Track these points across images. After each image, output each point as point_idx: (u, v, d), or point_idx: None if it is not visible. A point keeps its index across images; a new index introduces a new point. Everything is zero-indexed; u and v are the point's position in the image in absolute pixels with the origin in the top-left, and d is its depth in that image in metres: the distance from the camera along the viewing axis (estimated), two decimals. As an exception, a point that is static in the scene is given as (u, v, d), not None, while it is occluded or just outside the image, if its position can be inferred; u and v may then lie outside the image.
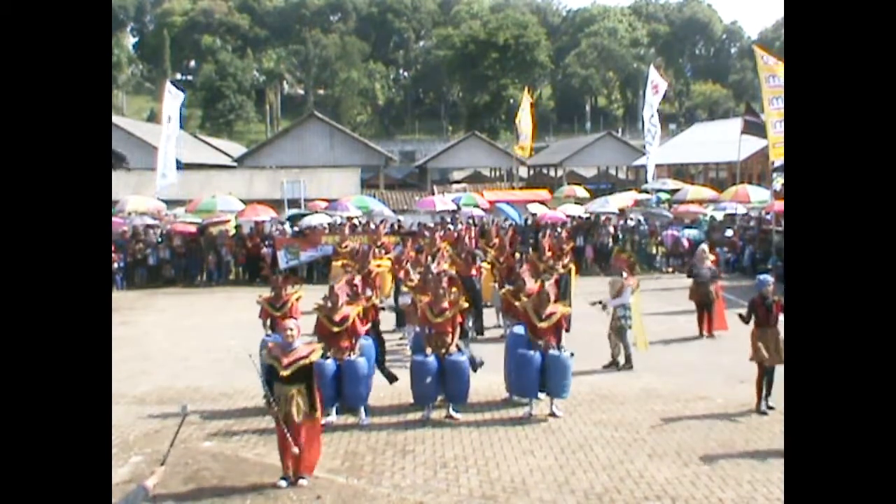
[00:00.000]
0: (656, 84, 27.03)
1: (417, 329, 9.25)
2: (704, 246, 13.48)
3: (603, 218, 22.30)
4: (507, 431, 8.01)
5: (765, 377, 8.56)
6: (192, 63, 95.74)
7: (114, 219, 19.53)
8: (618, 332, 10.55)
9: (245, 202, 23.70)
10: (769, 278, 9.04)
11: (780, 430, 7.55)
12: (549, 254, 13.06)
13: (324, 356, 8.23)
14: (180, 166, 23.66)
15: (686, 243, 21.02)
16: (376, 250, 15.40)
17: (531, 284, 9.54)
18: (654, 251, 21.26)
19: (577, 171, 54.44)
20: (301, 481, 6.63)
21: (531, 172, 56.35)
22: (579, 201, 27.01)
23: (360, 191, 32.46)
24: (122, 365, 10.40)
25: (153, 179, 23.28)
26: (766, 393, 8.55)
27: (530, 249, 16.29)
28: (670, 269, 20.72)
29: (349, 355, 8.21)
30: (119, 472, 6.91)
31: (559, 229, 19.49)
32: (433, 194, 29.61)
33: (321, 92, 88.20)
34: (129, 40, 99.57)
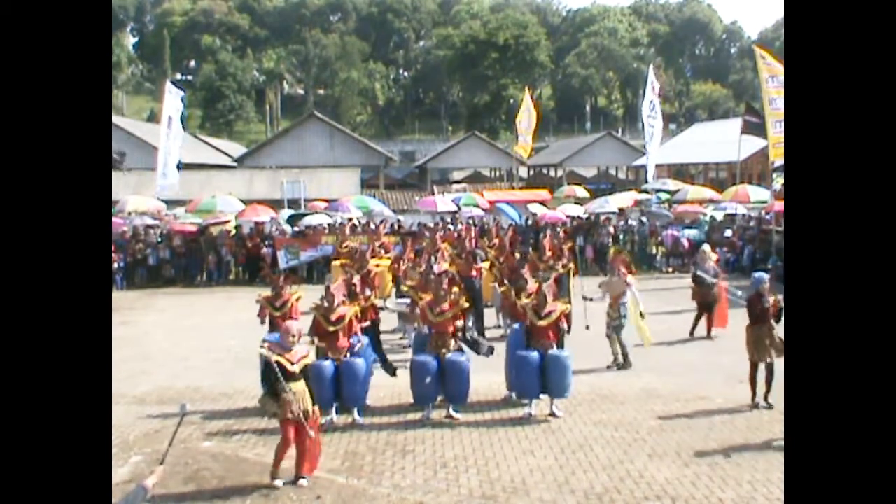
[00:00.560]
0: (654, 85, 27.12)
1: (415, 327, 9.26)
2: (706, 247, 13.44)
3: (603, 218, 22.31)
4: (507, 431, 8.01)
5: (756, 373, 8.65)
6: (192, 63, 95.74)
7: (114, 219, 19.54)
8: (616, 331, 10.56)
9: (245, 202, 23.71)
10: (765, 276, 9.07)
11: (779, 430, 7.55)
12: (549, 254, 13.06)
13: (322, 357, 8.25)
14: (180, 166, 23.63)
15: (686, 243, 21.03)
16: (377, 249, 15.42)
17: (532, 284, 9.55)
18: (654, 251, 21.25)
19: (577, 171, 54.45)
20: (301, 482, 6.62)
21: (531, 172, 56.36)
22: (579, 201, 27.01)
23: (360, 191, 32.48)
24: (122, 365, 10.40)
25: (153, 179, 23.28)
26: (765, 390, 8.62)
27: (530, 249, 16.30)
28: (670, 269, 20.73)
29: (346, 355, 8.22)
30: (119, 472, 6.91)
31: (559, 229, 19.49)
32: (433, 194, 29.61)
33: (321, 92, 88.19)
34: (129, 40, 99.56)
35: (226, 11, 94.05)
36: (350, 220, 22.17)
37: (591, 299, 10.80)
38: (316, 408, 6.74)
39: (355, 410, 8.36)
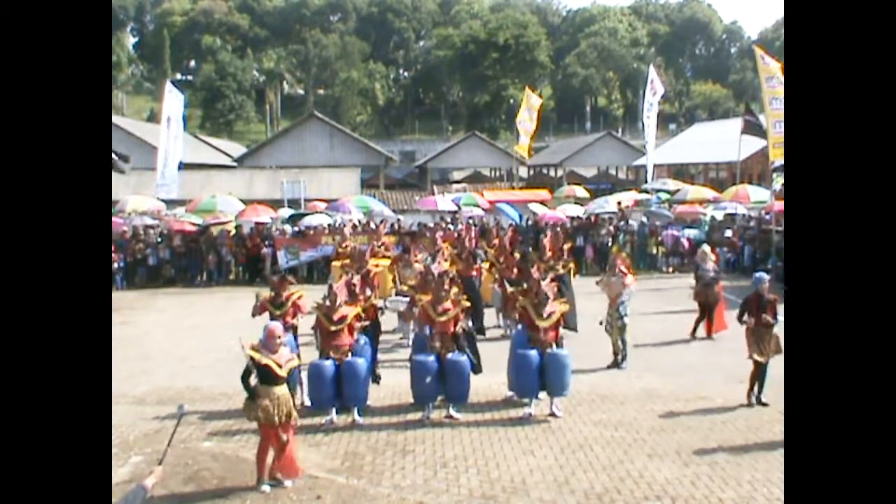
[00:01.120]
0: (654, 85, 27.15)
1: (414, 326, 9.26)
2: (706, 247, 13.41)
3: (603, 218, 22.32)
4: (507, 431, 8.01)
5: (759, 372, 8.72)
6: (192, 63, 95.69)
7: (114, 219, 19.54)
8: (620, 330, 10.56)
9: (245, 202, 23.71)
10: (765, 276, 9.11)
11: (780, 430, 7.55)
12: (549, 254, 13.07)
13: (324, 357, 8.26)
14: (180, 166, 23.62)
15: (686, 243, 21.04)
16: (377, 249, 15.43)
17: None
18: (654, 251, 21.26)
19: (577, 171, 54.44)
20: (287, 483, 6.61)
21: (531, 172, 56.36)
22: (579, 201, 27.02)
23: (360, 191, 32.48)
24: (122, 365, 10.40)
25: (153, 179, 23.28)
26: (758, 389, 8.71)
27: (530, 249, 16.30)
28: (670, 269, 20.74)
29: (348, 355, 8.22)
30: (119, 472, 6.91)
31: (558, 229, 19.49)
32: (433, 194, 29.63)
33: (321, 92, 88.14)
34: (129, 40, 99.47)
35: (226, 11, 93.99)
36: (350, 220, 22.19)
37: (601, 323, 10.82)
38: (295, 413, 6.66)
39: (355, 410, 8.36)
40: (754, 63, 19.50)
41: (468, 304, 9.20)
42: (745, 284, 12.25)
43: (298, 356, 7.54)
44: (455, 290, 9.23)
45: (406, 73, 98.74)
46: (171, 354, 11.92)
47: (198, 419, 8.46)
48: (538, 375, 8.31)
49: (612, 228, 21.43)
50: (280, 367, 6.55)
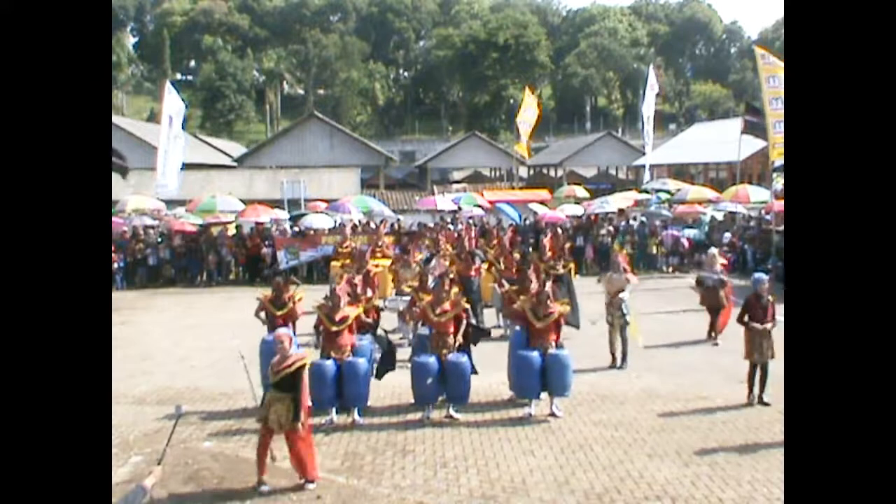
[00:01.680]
0: (653, 85, 27.22)
1: (411, 328, 9.26)
2: (714, 250, 13.19)
3: (603, 218, 22.32)
4: (507, 431, 8.00)
5: (756, 373, 8.75)
6: (192, 63, 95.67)
7: (114, 219, 19.53)
8: (621, 329, 10.56)
9: (245, 202, 23.70)
10: (764, 276, 9.11)
11: (779, 430, 7.55)
12: (549, 254, 13.07)
13: (325, 356, 8.26)
14: (181, 167, 23.61)
15: (686, 243, 21.04)
16: (377, 249, 15.45)
17: (535, 284, 9.54)
18: (654, 251, 21.26)
19: (577, 171, 54.44)
20: (308, 485, 6.60)
21: (531, 172, 56.38)
22: (579, 201, 27.02)
23: (360, 191, 32.48)
24: (122, 365, 10.40)
25: (153, 179, 23.28)
26: (759, 389, 8.72)
27: (530, 249, 16.30)
28: (670, 269, 20.74)
29: (349, 355, 8.23)
30: (119, 472, 6.91)
31: (558, 229, 19.49)
32: (433, 194, 29.64)
33: (321, 92, 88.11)
34: (129, 40, 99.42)
35: (226, 11, 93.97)
36: (351, 220, 22.21)
37: (593, 323, 10.82)
38: (297, 423, 6.51)
39: (355, 410, 8.36)
40: (754, 63, 19.48)
41: (467, 304, 9.20)
42: (745, 285, 12.24)
43: None
44: (455, 290, 9.24)
45: (406, 73, 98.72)
46: (171, 354, 11.92)
47: (198, 419, 8.46)
48: (539, 376, 8.31)
49: (612, 228, 21.44)
50: (273, 373, 6.56)
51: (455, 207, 24.64)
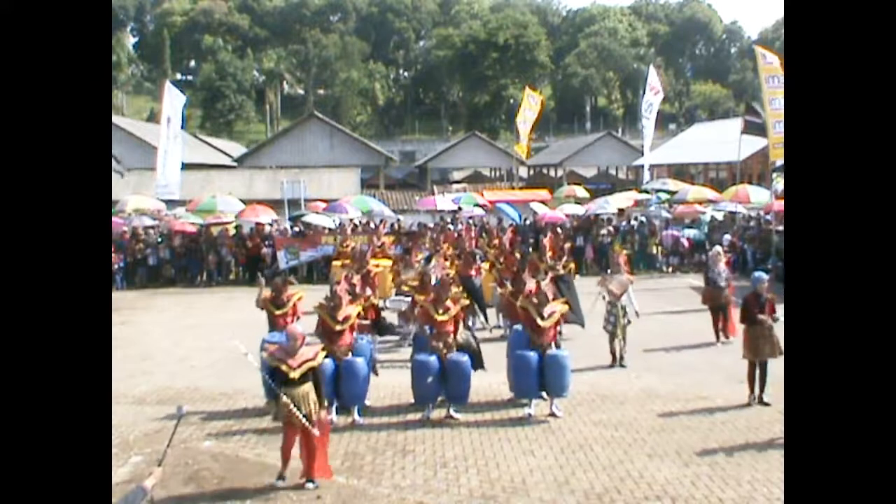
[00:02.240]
0: (654, 86, 27.19)
1: (411, 328, 9.26)
2: (719, 248, 13.01)
3: (603, 218, 22.32)
4: (507, 431, 8.00)
5: (756, 372, 8.73)
6: (192, 63, 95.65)
7: (114, 219, 19.54)
8: (623, 330, 10.55)
9: (245, 202, 23.70)
10: (764, 275, 9.11)
11: (780, 430, 7.55)
12: (549, 254, 13.07)
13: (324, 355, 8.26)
14: (182, 167, 23.62)
15: (686, 243, 21.04)
16: (377, 249, 15.46)
17: (531, 285, 9.55)
18: (654, 251, 21.27)
19: (577, 171, 54.45)
20: (308, 485, 6.60)
21: (531, 172, 56.38)
22: (579, 201, 27.01)
23: (360, 191, 32.47)
24: (122, 365, 10.40)
25: (153, 179, 23.28)
26: (759, 389, 8.71)
27: (530, 249, 16.30)
28: (670, 269, 20.74)
29: (348, 355, 8.23)
30: (119, 472, 6.91)
31: (558, 229, 19.49)
32: (433, 194, 29.63)
33: (321, 92, 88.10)
34: (129, 40, 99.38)
35: (226, 11, 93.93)
36: (351, 220, 22.21)
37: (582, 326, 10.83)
38: (322, 411, 6.65)
39: (355, 410, 8.36)
40: (754, 63, 19.50)
41: (467, 302, 9.20)
42: (745, 285, 12.22)
43: None
44: (454, 290, 9.23)
45: (406, 73, 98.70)
46: (171, 354, 11.92)
47: (198, 419, 8.46)
48: (537, 376, 8.30)
49: (612, 228, 21.44)
50: (292, 368, 6.53)
51: (455, 207, 24.64)
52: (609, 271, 11.06)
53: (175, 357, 11.73)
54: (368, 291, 10.16)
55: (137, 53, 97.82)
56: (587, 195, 29.58)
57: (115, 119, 40.38)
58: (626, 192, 29.05)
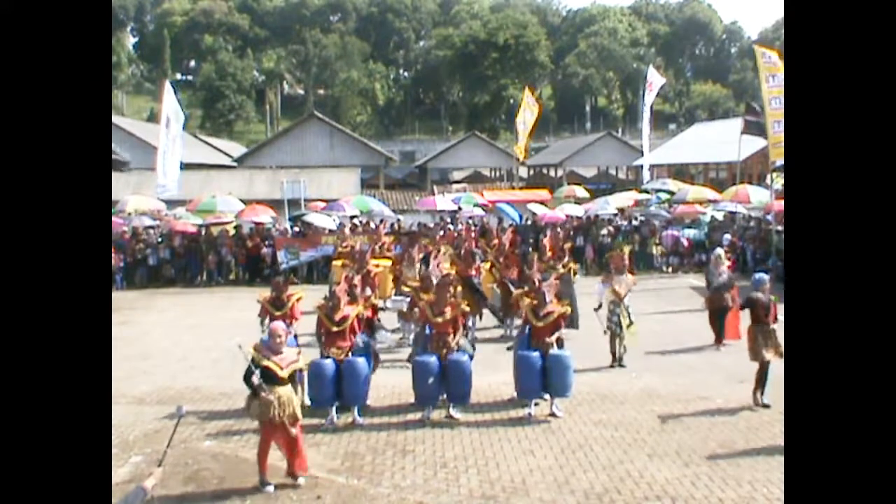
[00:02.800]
0: (651, 82, 27.23)
1: (411, 327, 9.25)
2: (720, 251, 12.86)
3: (603, 218, 22.33)
4: (507, 431, 8.00)
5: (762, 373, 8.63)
6: (192, 63, 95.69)
7: (114, 219, 19.54)
8: (626, 330, 10.54)
9: (245, 202, 23.70)
10: (765, 277, 9.08)
11: (780, 430, 7.55)
12: (549, 254, 13.07)
13: (324, 356, 8.26)
14: (181, 167, 23.59)
15: (686, 243, 21.04)
16: (377, 249, 15.45)
17: (536, 278, 9.51)
18: (654, 251, 21.27)
19: (577, 171, 54.49)
20: (300, 480, 6.61)
21: (531, 172, 56.43)
22: (579, 201, 27.03)
23: (360, 191, 32.45)
24: (122, 365, 10.39)
25: (153, 179, 23.27)
26: (760, 390, 8.64)
27: (530, 249, 16.30)
28: (670, 269, 20.74)
29: (348, 355, 8.22)
30: (119, 472, 6.91)
31: (558, 229, 19.49)
32: (433, 194, 29.63)
33: (321, 92, 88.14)
34: (129, 40, 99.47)
35: (226, 11, 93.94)
36: (352, 219, 22.20)
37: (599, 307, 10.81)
38: (299, 410, 6.64)
39: (355, 410, 8.36)
40: (754, 63, 19.50)
41: (467, 309, 9.18)
42: (745, 285, 12.21)
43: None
44: (454, 290, 9.23)
45: (406, 73, 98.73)
46: (171, 354, 11.92)
47: (198, 419, 8.46)
48: (540, 376, 8.30)
49: (612, 228, 21.43)
50: (281, 368, 6.53)
51: (455, 207, 24.64)
52: (612, 270, 10.99)
53: (175, 357, 11.72)
54: (368, 291, 10.16)
55: (137, 53, 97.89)
56: (587, 195, 29.60)
57: (115, 119, 40.40)
58: (626, 192, 29.10)
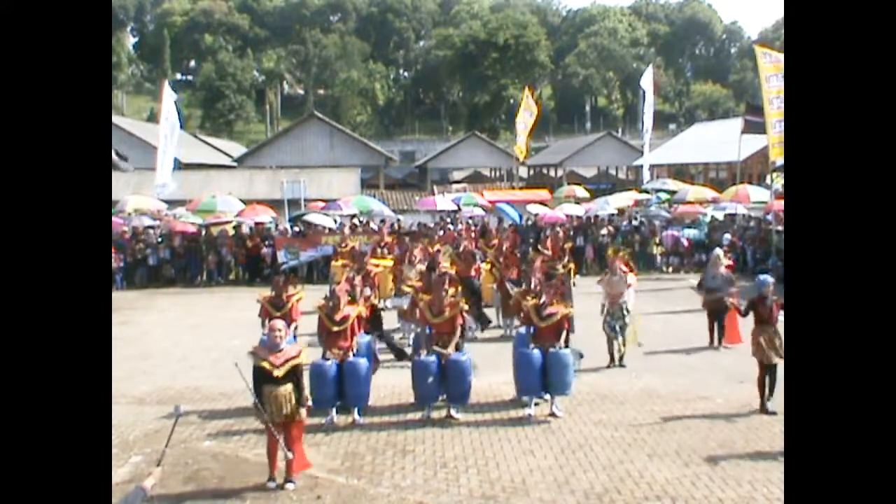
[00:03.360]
0: (644, 90, 27.33)
1: (412, 327, 9.25)
2: (719, 251, 12.76)
3: (603, 218, 22.32)
4: (507, 431, 8.00)
5: (766, 376, 8.55)
6: (192, 63, 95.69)
7: (114, 219, 19.53)
8: (621, 331, 10.54)
9: (245, 202, 23.70)
10: (769, 279, 9.05)
11: (780, 430, 7.55)
12: (549, 254, 13.07)
13: (325, 356, 8.26)
14: (180, 166, 23.61)
15: (686, 243, 21.04)
16: (379, 250, 15.46)
17: (535, 283, 9.52)
18: (653, 251, 21.27)
19: (577, 171, 54.48)
20: (288, 485, 6.57)
21: (531, 172, 56.42)
22: (579, 201, 27.03)
23: (360, 191, 32.45)
24: (122, 365, 10.40)
25: (153, 179, 23.28)
26: (768, 394, 8.54)
27: (530, 249, 16.31)
28: (670, 269, 20.74)
29: (349, 355, 8.22)
30: (119, 472, 6.91)
31: (558, 229, 19.49)
32: (433, 194, 29.63)
33: (321, 92, 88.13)
34: (129, 40, 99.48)
35: (226, 11, 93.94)
36: (352, 219, 22.19)
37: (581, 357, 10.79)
38: (302, 410, 6.59)
39: (355, 410, 8.36)
40: (754, 63, 19.51)
41: (466, 307, 9.18)
42: (746, 285, 12.23)
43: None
44: (453, 290, 9.23)
45: (406, 73, 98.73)
46: (171, 354, 11.92)
47: (198, 419, 8.46)
48: (540, 374, 8.30)
49: (612, 228, 21.43)
50: (276, 367, 6.48)
51: (455, 207, 24.64)
52: (607, 272, 11.00)
53: (175, 357, 11.72)
54: (368, 291, 10.16)
55: (137, 53, 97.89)
56: (587, 195, 29.60)
57: (115, 119, 40.39)
58: (626, 192, 29.09)
